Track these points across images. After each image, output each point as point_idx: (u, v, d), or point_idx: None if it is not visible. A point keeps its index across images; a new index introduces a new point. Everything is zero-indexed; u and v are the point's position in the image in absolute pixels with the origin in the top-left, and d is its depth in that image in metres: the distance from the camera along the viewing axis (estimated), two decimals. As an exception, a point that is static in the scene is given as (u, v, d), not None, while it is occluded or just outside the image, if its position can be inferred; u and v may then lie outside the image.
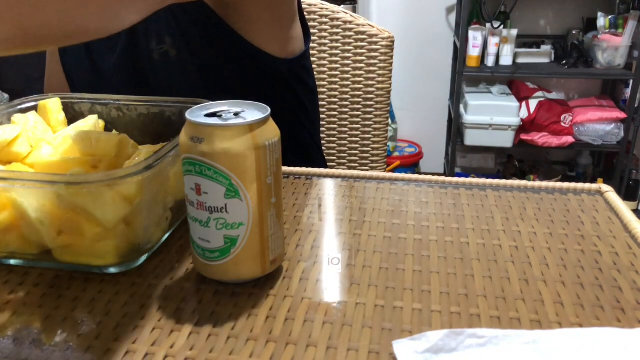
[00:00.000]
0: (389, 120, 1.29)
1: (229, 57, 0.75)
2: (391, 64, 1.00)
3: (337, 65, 1.02)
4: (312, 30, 0.98)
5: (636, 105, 2.33)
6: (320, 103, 1.03)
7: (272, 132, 0.41)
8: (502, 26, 2.35)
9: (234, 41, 0.73)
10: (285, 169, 0.64)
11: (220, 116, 0.41)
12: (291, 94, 0.81)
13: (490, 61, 2.40)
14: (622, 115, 2.36)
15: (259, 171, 0.40)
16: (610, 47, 2.30)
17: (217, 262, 0.42)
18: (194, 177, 0.40)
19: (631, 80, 2.28)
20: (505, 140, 2.42)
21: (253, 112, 0.42)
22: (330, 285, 0.44)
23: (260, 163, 0.40)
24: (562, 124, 2.40)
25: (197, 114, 0.41)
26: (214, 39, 0.74)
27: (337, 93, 1.03)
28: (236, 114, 0.41)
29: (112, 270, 0.45)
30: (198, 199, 0.41)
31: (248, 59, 0.75)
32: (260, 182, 0.41)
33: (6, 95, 2.48)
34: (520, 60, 2.47)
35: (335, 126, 1.05)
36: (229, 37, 0.73)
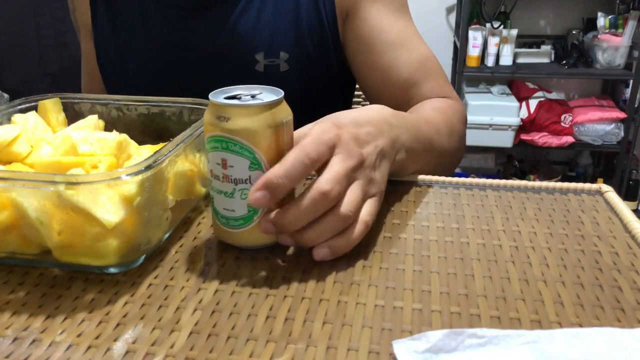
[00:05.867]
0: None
1: (325, 84, 0.84)
2: (391, 64, 1.00)
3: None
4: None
5: (636, 105, 2.33)
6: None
7: (287, 112, 0.46)
8: (502, 26, 2.35)
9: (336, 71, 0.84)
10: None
11: (239, 98, 0.46)
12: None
13: (490, 61, 2.40)
14: (622, 115, 2.36)
15: (278, 145, 0.45)
16: (610, 47, 2.30)
17: (241, 230, 0.47)
18: (220, 153, 0.45)
19: (631, 80, 2.28)
20: (505, 140, 2.42)
21: (268, 94, 0.46)
22: (330, 285, 0.44)
23: (278, 138, 0.45)
24: (562, 124, 2.40)
25: (219, 97, 0.45)
26: (323, 62, 0.81)
27: (337, 93, 1.03)
28: (252, 96, 0.46)
29: (112, 270, 0.45)
30: (224, 173, 0.45)
31: (339, 86, 0.87)
32: (279, 155, 0.45)
33: (6, 95, 2.48)
34: (520, 60, 2.47)
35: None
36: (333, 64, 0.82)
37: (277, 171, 0.43)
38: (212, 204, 0.48)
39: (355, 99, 1.07)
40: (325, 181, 0.44)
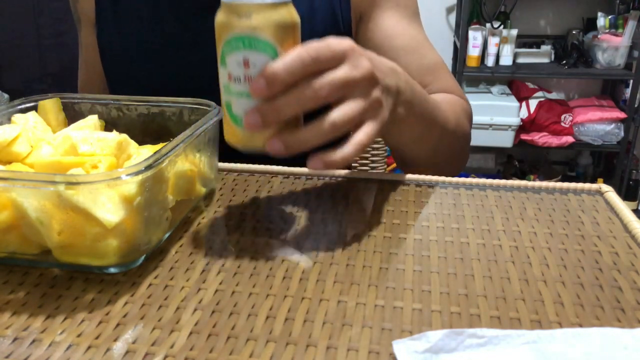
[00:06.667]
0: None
1: None
2: (391, 64, 1.00)
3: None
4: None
5: (636, 105, 2.33)
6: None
7: (297, 15, 0.47)
8: (502, 26, 2.35)
9: None
10: (285, 168, 0.64)
11: None
12: None
13: (490, 61, 2.40)
14: (622, 115, 2.36)
15: (294, 44, 0.46)
16: (610, 47, 2.30)
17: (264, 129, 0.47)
18: (242, 53, 0.45)
19: (631, 80, 2.28)
20: (505, 140, 2.42)
21: None
22: (330, 285, 0.44)
23: (295, 37, 0.46)
24: (562, 124, 2.40)
25: None
26: None
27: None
28: None
29: (112, 270, 0.45)
30: (246, 73, 0.45)
31: None
32: None
33: (6, 95, 2.48)
34: (520, 60, 2.47)
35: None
36: None
37: (276, 64, 0.44)
38: (229, 111, 0.47)
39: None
40: (318, 78, 0.45)
